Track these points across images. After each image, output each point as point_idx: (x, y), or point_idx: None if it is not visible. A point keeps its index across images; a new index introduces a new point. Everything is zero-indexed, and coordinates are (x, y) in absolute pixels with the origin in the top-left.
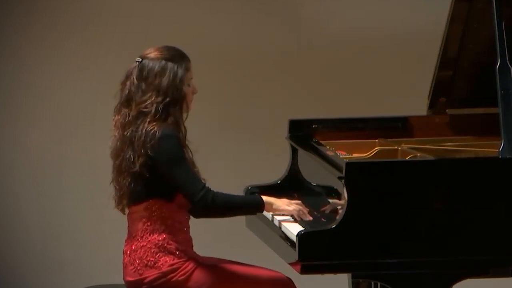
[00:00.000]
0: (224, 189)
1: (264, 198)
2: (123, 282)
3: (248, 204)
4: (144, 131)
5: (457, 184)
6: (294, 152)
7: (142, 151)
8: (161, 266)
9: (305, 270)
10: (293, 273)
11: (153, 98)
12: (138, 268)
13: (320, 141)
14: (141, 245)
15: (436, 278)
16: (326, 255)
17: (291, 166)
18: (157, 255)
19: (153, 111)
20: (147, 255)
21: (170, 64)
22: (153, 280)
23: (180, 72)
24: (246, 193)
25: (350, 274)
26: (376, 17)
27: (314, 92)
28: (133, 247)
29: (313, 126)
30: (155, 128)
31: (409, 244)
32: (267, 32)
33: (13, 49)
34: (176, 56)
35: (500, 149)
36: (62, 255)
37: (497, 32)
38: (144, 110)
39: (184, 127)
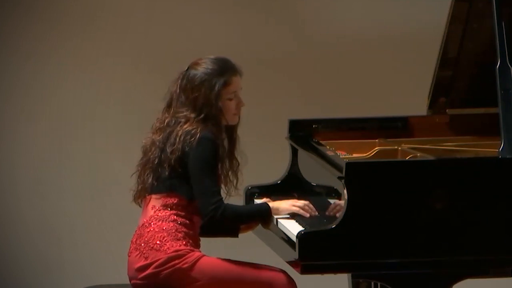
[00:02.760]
0: (224, 189)
1: (270, 203)
2: (123, 282)
3: (256, 214)
4: (182, 130)
5: (457, 184)
6: (294, 152)
7: (180, 146)
8: (167, 250)
9: (305, 270)
10: (293, 273)
11: (188, 113)
12: (144, 252)
13: (320, 141)
14: (148, 230)
15: (436, 278)
16: (326, 255)
17: (291, 166)
18: (164, 239)
19: (186, 125)
20: (154, 238)
21: (208, 79)
22: (158, 266)
23: (217, 87)
24: (246, 193)
25: (350, 274)
26: (376, 17)
27: (314, 92)
28: (140, 234)
29: (313, 126)
30: (198, 129)
31: (409, 244)
32: (267, 32)
33: (13, 49)
34: (218, 70)
35: (500, 149)
36: (62, 255)
37: (497, 32)
38: (179, 120)
39: (232, 157)
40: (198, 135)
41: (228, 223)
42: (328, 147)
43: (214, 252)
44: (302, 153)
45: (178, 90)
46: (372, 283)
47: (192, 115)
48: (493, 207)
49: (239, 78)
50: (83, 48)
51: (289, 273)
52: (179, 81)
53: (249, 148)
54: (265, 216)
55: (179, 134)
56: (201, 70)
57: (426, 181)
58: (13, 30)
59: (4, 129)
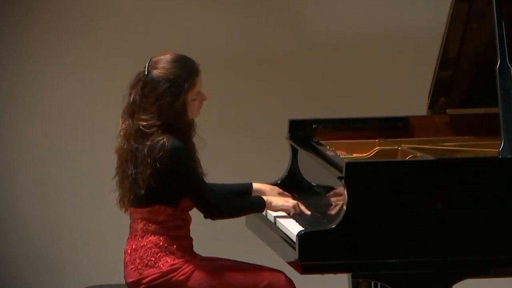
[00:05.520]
0: None
1: (264, 197)
2: (123, 282)
3: (253, 206)
4: (150, 143)
5: (457, 184)
6: (294, 152)
7: (149, 161)
8: (161, 266)
9: (305, 270)
10: (293, 273)
11: (153, 121)
12: (139, 267)
13: (320, 141)
14: (142, 244)
15: (436, 278)
16: (326, 255)
17: (291, 166)
18: (158, 255)
19: (153, 133)
20: (148, 254)
21: (172, 85)
22: (153, 280)
23: (183, 94)
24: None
25: (350, 274)
26: (376, 17)
27: (314, 92)
28: (134, 246)
29: (313, 126)
30: (164, 139)
31: (409, 244)
32: (267, 32)
33: (13, 49)
34: (182, 74)
35: (500, 149)
36: (62, 255)
37: (497, 32)
38: (145, 130)
39: (194, 146)
40: (167, 146)
41: (228, 216)
42: (328, 147)
43: (214, 252)
44: (302, 153)
45: (141, 96)
46: (372, 283)
47: (158, 123)
48: (493, 207)
49: (201, 75)
50: (83, 48)
51: (289, 273)
52: (141, 85)
53: (249, 148)
54: (260, 210)
55: (146, 151)
56: (164, 75)
57: (426, 181)
58: (13, 30)
59: (4, 129)
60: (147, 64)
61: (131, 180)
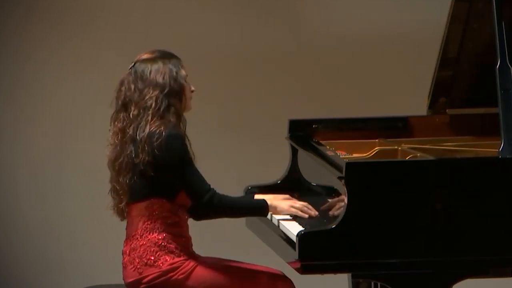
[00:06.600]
0: (224, 189)
1: (269, 201)
2: (123, 282)
3: (252, 208)
4: (148, 130)
5: (457, 184)
6: (294, 152)
7: (147, 149)
8: (161, 264)
9: (305, 270)
10: (293, 273)
11: (151, 93)
12: (138, 267)
13: (320, 141)
14: (141, 244)
15: (436, 278)
16: (326, 255)
17: (291, 166)
18: (157, 254)
19: (153, 104)
20: (147, 253)
21: (163, 61)
22: (153, 279)
23: (175, 68)
24: (246, 193)
25: (350, 274)
26: (376, 17)
27: (314, 92)
28: (133, 246)
29: (313, 126)
30: (161, 128)
31: (409, 244)
32: (267, 32)
33: (13, 49)
34: (167, 54)
35: (500, 149)
36: (62, 255)
37: (497, 32)
38: (145, 105)
39: (184, 118)
40: (164, 134)
41: (222, 213)
42: (328, 147)
43: (213, 252)
44: (302, 153)
45: (131, 85)
46: (372, 283)
47: (156, 92)
48: (493, 207)
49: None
50: (83, 48)
51: (289, 273)
52: (131, 76)
53: (249, 148)
54: (261, 213)
55: (145, 136)
56: (151, 57)
57: (426, 181)
58: (13, 30)
59: (4, 129)
60: (130, 65)
61: (131, 160)
